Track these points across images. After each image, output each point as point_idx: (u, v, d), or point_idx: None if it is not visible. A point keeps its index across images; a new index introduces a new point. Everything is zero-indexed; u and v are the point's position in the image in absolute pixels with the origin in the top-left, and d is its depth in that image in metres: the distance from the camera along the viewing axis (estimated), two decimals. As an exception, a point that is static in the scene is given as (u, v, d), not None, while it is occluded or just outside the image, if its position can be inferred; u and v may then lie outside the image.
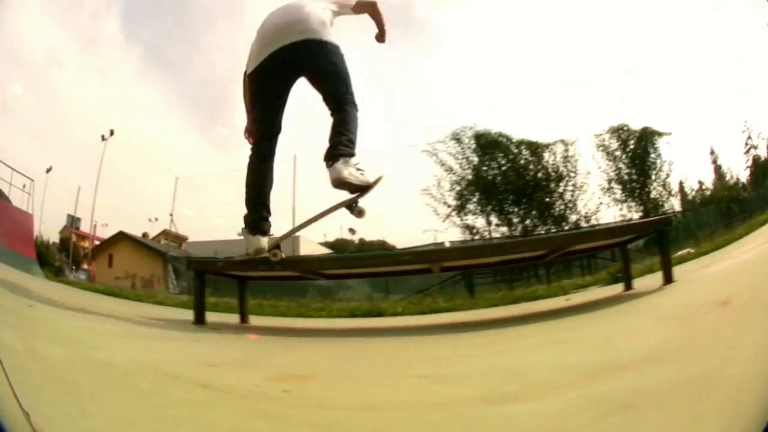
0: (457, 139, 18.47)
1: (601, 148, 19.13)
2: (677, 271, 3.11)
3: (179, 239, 35.31)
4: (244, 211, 3.14)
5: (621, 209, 18.61)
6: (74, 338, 2.01)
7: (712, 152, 45.99)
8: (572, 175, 18.63)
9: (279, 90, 3.16)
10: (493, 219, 17.76)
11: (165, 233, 32.36)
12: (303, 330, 3.84)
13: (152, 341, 2.36)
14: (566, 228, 17.84)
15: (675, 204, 19.69)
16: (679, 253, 7.30)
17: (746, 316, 1.55)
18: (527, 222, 17.66)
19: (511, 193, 17.72)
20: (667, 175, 19.30)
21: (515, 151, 18.40)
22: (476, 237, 17.45)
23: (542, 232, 17.60)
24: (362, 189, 2.88)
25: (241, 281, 3.84)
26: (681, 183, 31.55)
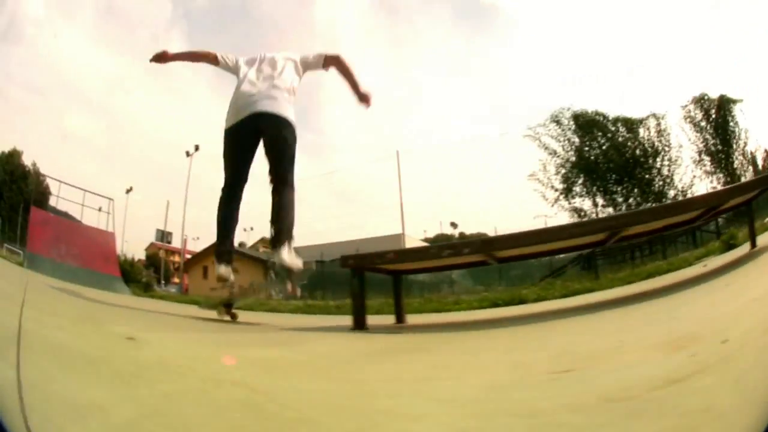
0: (556, 121, 18.56)
1: (688, 120, 18.83)
2: None
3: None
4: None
5: (711, 181, 18.26)
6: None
7: None
8: (667, 149, 18.38)
9: (246, 147, 3.56)
10: (599, 200, 17.73)
11: (263, 240, 33.89)
12: (477, 322, 3.54)
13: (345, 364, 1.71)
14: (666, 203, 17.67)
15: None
16: None
17: None
18: (630, 201, 17.57)
19: (613, 172, 17.64)
20: (745, 143, 18.62)
21: (612, 128, 18.30)
22: (586, 218, 17.32)
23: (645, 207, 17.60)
24: (292, 271, 3.36)
25: (396, 277, 3.72)
26: (766, 151, 29.52)
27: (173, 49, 3.93)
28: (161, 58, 3.80)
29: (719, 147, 18.34)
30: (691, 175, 18.22)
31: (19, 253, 17.06)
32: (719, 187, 18.03)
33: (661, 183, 18.07)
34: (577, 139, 18.23)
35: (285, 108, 3.47)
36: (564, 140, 18.32)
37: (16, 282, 3.46)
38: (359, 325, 2.99)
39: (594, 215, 17.26)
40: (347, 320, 3.19)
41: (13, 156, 36.39)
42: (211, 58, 3.75)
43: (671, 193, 17.98)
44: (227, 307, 3.64)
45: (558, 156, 18.30)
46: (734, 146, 18.36)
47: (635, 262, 10.87)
